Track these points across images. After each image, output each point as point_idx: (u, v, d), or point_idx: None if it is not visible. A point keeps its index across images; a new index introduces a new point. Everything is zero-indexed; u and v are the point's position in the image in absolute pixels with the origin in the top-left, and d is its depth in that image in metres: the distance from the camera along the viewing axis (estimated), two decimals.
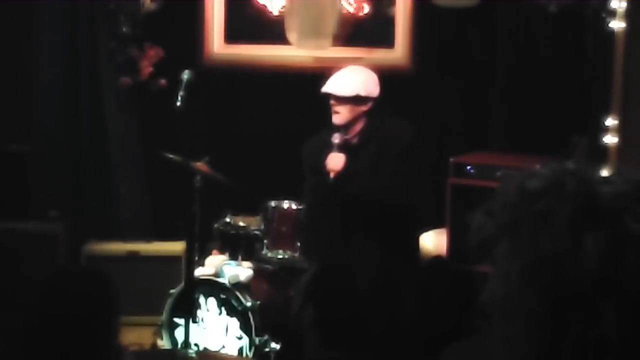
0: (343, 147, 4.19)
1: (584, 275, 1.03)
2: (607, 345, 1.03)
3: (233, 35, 5.76)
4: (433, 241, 4.88)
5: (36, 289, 2.36)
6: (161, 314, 4.82)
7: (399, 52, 5.69)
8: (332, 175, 4.11)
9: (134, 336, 5.11)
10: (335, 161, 4.14)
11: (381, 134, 4.22)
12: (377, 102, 4.31)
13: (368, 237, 4.17)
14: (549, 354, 1.05)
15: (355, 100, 4.23)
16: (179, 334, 4.68)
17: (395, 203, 4.16)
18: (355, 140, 4.25)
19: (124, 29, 5.47)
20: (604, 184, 1.09)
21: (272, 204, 4.83)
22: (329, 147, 4.22)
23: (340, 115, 4.24)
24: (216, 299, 4.72)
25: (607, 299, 1.03)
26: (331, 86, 4.27)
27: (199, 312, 4.73)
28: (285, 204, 4.81)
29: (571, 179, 1.08)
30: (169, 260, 5.41)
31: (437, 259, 4.77)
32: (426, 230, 4.92)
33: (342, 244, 4.21)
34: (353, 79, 4.28)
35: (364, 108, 4.27)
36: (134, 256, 5.43)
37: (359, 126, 4.26)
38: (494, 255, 1.12)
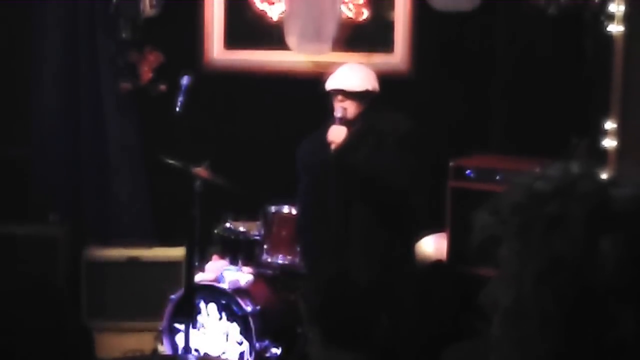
0: (344, 122, 4.25)
1: (601, 278, 1.03)
2: (623, 348, 1.03)
3: (233, 40, 5.76)
4: (433, 245, 4.87)
5: None
6: (161, 319, 4.81)
7: (398, 56, 5.69)
8: (332, 146, 4.18)
9: (134, 341, 5.12)
10: (337, 133, 4.21)
11: (379, 126, 4.27)
12: (375, 97, 4.38)
13: (368, 214, 4.22)
14: (564, 356, 1.05)
15: (364, 95, 4.29)
16: (180, 339, 4.68)
17: (394, 182, 4.22)
18: (354, 134, 4.29)
19: (124, 34, 5.47)
20: (614, 186, 1.08)
21: (272, 208, 4.84)
22: (323, 147, 4.24)
23: (348, 110, 4.28)
24: (216, 304, 4.72)
25: (623, 302, 1.03)
26: (341, 82, 4.30)
27: (199, 318, 4.73)
28: (285, 209, 4.82)
29: (583, 181, 1.08)
30: (169, 265, 5.41)
31: (437, 263, 4.77)
32: (426, 234, 4.92)
33: (343, 218, 4.25)
34: (360, 75, 4.36)
35: (367, 103, 4.33)
36: (134, 261, 5.42)
37: (356, 121, 4.31)
38: (498, 256, 1.12)
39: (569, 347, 1.04)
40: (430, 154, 4.66)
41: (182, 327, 4.57)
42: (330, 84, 4.32)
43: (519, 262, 1.08)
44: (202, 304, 4.74)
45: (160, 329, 4.83)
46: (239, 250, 4.92)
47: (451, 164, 4.73)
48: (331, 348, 2.64)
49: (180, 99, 4.31)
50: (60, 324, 2.15)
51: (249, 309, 4.63)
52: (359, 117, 4.30)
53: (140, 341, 5.11)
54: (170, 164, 4.59)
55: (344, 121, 4.24)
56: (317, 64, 5.59)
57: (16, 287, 2.22)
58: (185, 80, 4.41)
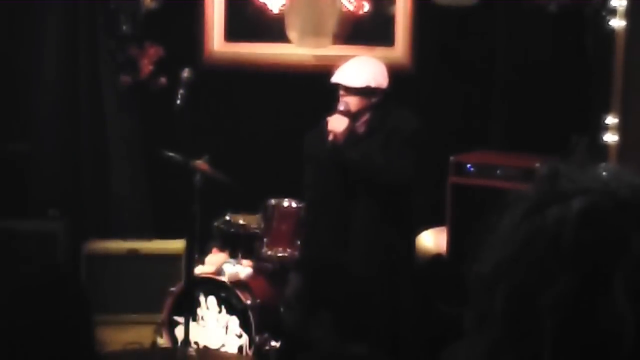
0: (347, 114, 4.24)
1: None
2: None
3: (233, 33, 5.75)
4: (433, 240, 4.88)
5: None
6: (161, 312, 4.82)
7: (399, 50, 5.69)
8: (331, 136, 4.17)
9: (134, 334, 5.13)
10: (337, 122, 4.19)
11: (387, 124, 4.27)
12: (385, 93, 4.33)
13: (371, 207, 4.22)
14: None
15: (365, 91, 4.26)
16: (179, 332, 4.68)
17: (399, 180, 4.21)
18: (362, 130, 4.29)
19: (124, 28, 5.47)
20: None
21: (272, 202, 4.83)
22: (326, 138, 4.24)
23: (350, 104, 4.27)
24: (216, 297, 4.72)
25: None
26: (342, 76, 4.28)
27: (199, 311, 4.73)
28: (285, 203, 4.81)
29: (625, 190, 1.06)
30: (169, 258, 5.42)
31: (437, 258, 4.77)
32: (426, 229, 4.92)
33: (345, 209, 4.25)
34: (364, 70, 4.30)
35: (373, 99, 4.30)
36: (134, 254, 5.43)
37: (366, 116, 4.30)
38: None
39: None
40: (432, 150, 4.66)
41: (181, 320, 4.57)
42: (333, 77, 4.31)
43: None
44: (201, 297, 4.74)
45: (160, 322, 4.84)
46: (238, 244, 4.92)
47: (452, 159, 4.73)
48: (342, 338, 2.65)
49: (180, 92, 4.30)
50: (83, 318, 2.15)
51: (248, 302, 4.64)
52: (364, 111, 4.29)
53: (139, 334, 5.12)
54: (170, 157, 4.59)
55: (345, 113, 4.23)
56: (317, 57, 5.59)
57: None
58: (185, 74, 4.41)
